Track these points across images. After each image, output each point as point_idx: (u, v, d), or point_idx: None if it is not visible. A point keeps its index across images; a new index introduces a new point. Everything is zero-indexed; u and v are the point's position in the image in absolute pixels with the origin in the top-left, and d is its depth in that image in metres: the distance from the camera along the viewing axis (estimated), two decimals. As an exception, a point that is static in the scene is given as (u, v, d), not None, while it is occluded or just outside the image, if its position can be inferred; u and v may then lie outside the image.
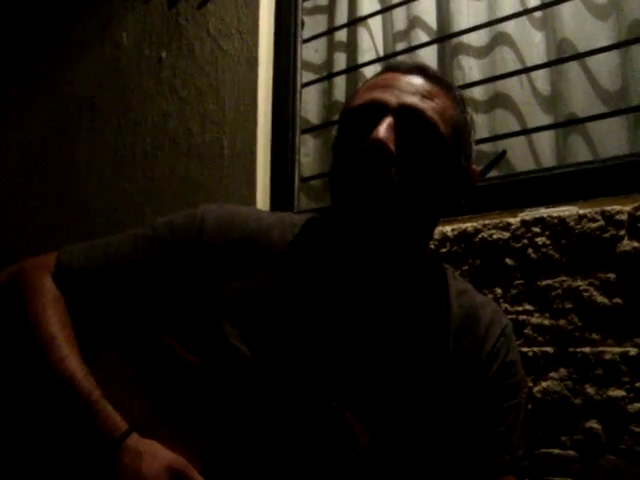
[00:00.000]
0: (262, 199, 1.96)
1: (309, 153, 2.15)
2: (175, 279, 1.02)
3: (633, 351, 1.28)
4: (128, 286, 1.03)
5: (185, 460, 0.90)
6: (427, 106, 0.95)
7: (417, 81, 0.98)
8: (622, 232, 1.33)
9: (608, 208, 1.35)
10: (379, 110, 0.95)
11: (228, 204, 1.11)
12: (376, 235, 0.94)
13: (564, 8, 1.76)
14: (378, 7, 2.11)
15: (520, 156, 1.76)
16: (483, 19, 1.88)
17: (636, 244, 1.31)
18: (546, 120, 1.78)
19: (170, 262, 1.02)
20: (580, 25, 1.75)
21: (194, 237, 1.03)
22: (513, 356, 1.02)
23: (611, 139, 1.66)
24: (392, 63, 1.06)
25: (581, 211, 1.38)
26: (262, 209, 1.89)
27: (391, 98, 0.95)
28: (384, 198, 0.91)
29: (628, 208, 1.33)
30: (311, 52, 2.22)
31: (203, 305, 1.00)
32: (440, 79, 1.02)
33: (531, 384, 1.36)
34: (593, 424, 1.29)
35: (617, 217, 1.33)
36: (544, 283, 1.39)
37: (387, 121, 0.92)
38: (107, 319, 1.04)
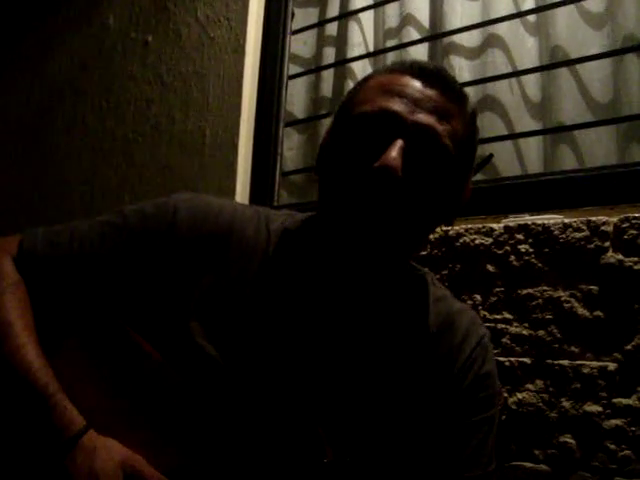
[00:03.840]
0: (242, 191, 1.93)
1: (292, 147, 2.11)
2: (143, 271, 0.97)
3: (612, 366, 1.26)
4: (93, 276, 0.98)
5: (141, 457, 0.86)
6: (443, 130, 0.89)
7: (436, 96, 0.91)
8: (607, 244, 1.30)
9: (594, 218, 1.32)
10: (392, 124, 0.88)
11: (202, 194, 1.06)
12: (369, 252, 0.90)
13: (558, 14, 1.74)
14: (370, 2, 2.08)
15: (507, 161, 1.74)
16: (476, 20, 1.86)
17: (620, 256, 1.28)
18: (534, 126, 1.76)
19: (138, 253, 0.98)
20: (574, 32, 1.74)
21: (165, 228, 0.98)
22: (489, 367, 0.99)
23: (599, 149, 1.65)
24: (409, 64, 0.96)
25: (566, 220, 1.35)
26: (239, 201, 1.85)
27: (407, 113, 0.88)
28: (385, 222, 0.87)
29: (614, 219, 1.31)
30: (300, 44, 2.19)
31: (171, 299, 0.96)
32: (459, 93, 0.95)
33: (506, 395, 1.33)
34: (567, 439, 1.27)
35: (603, 228, 1.31)
36: (525, 292, 1.37)
37: (399, 144, 0.86)
38: (70, 308, 0.99)
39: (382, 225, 0.87)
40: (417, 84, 0.92)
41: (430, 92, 0.91)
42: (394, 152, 0.86)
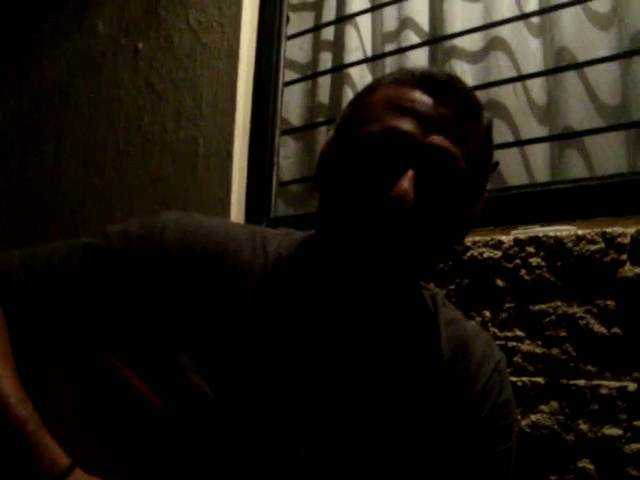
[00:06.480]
0: (237, 202, 1.89)
1: (289, 156, 2.06)
2: (127, 297, 0.90)
3: (632, 386, 1.20)
4: (73, 303, 0.91)
5: None
6: (459, 152, 0.82)
7: (450, 114, 0.83)
8: (624, 256, 1.24)
9: (609, 230, 1.27)
10: (403, 147, 0.81)
11: (194, 213, 0.99)
12: (378, 281, 0.84)
13: (563, 15, 1.69)
14: (368, 5, 2.03)
15: (513, 169, 1.69)
16: (478, 22, 1.81)
17: (639, 270, 1.22)
18: (541, 132, 1.71)
19: (122, 278, 0.91)
20: (580, 34, 1.69)
21: (152, 250, 0.91)
22: (507, 394, 0.93)
23: (609, 155, 1.60)
24: (419, 75, 0.87)
25: (580, 232, 1.30)
26: (232, 221, 1.79)
27: (419, 134, 0.81)
28: (395, 252, 0.81)
29: (631, 230, 1.25)
30: (295, 50, 2.14)
31: (159, 328, 0.89)
32: (475, 108, 0.87)
33: (519, 416, 1.27)
34: (586, 464, 1.21)
35: (619, 240, 1.25)
36: (537, 308, 1.31)
37: (410, 174, 0.79)
38: (49, 338, 0.93)
39: (392, 255, 0.81)
40: (429, 100, 0.84)
41: (444, 110, 0.83)
42: (405, 183, 0.79)
